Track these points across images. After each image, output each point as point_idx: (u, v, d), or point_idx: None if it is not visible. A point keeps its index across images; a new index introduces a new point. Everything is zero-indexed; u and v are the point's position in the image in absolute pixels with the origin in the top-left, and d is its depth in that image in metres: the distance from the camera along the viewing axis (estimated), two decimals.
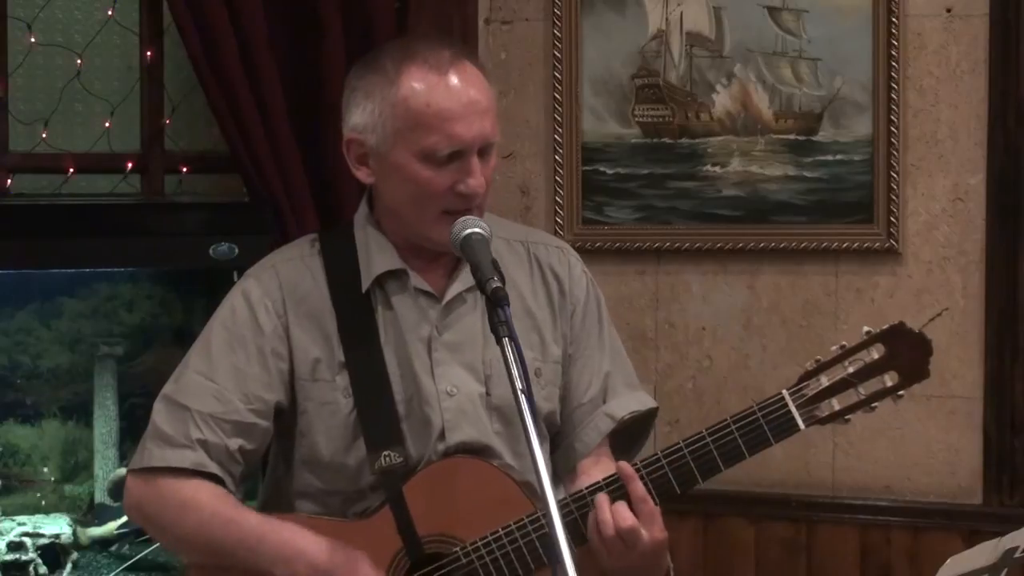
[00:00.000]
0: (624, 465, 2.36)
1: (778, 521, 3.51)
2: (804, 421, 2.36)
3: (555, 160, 3.62)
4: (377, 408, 2.40)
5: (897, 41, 3.39)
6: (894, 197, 3.41)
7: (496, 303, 2.14)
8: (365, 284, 2.44)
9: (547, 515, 1.95)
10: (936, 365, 3.37)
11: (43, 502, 3.55)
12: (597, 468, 2.50)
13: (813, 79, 3.46)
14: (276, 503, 2.51)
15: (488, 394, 2.45)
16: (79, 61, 3.61)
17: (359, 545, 2.36)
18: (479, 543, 2.36)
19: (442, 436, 2.41)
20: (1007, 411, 3.37)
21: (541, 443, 2.43)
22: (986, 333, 3.38)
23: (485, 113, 2.38)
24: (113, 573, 3.56)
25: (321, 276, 2.46)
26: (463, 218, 2.32)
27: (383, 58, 2.43)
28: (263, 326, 2.43)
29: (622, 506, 2.33)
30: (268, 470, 2.57)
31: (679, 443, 2.37)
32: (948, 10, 3.39)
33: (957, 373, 3.41)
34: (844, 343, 2.38)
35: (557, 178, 3.63)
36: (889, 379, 2.37)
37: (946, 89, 3.40)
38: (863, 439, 3.47)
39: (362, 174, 2.45)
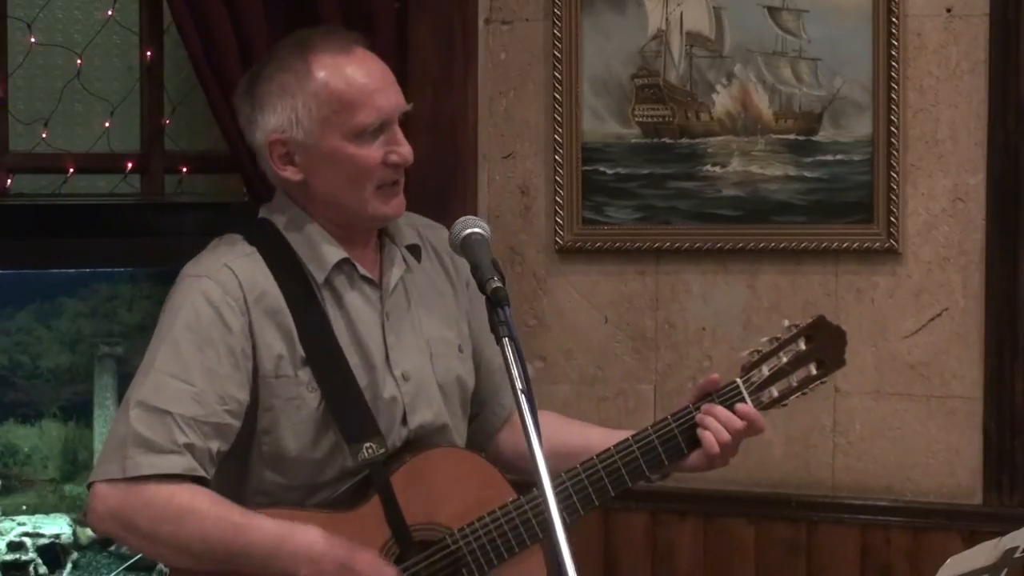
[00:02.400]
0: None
1: (778, 521, 3.51)
2: (755, 407, 2.54)
3: (555, 160, 3.62)
4: (346, 400, 2.43)
5: (897, 41, 3.38)
6: (894, 197, 3.40)
7: (496, 303, 2.18)
8: (321, 276, 2.46)
9: (547, 510, 1.98)
10: (936, 365, 3.41)
11: (43, 502, 3.55)
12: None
13: (813, 79, 3.46)
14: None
15: (434, 373, 2.53)
16: (79, 61, 3.62)
17: (348, 535, 2.38)
18: (467, 529, 2.42)
19: (404, 420, 2.47)
20: (1007, 411, 3.37)
21: (465, 423, 2.60)
22: (986, 333, 3.38)
23: (394, 84, 2.48)
24: (113, 573, 3.56)
25: (268, 273, 2.46)
26: (463, 218, 2.36)
27: (283, 58, 2.47)
28: (231, 325, 2.40)
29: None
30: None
31: (647, 428, 2.51)
32: (948, 10, 3.39)
33: (957, 373, 3.41)
34: (777, 336, 2.56)
35: (557, 178, 3.62)
36: (813, 368, 2.57)
37: (946, 89, 3.39)
38: (863, 439, 3.47)
39: (289, 173, 2.47)
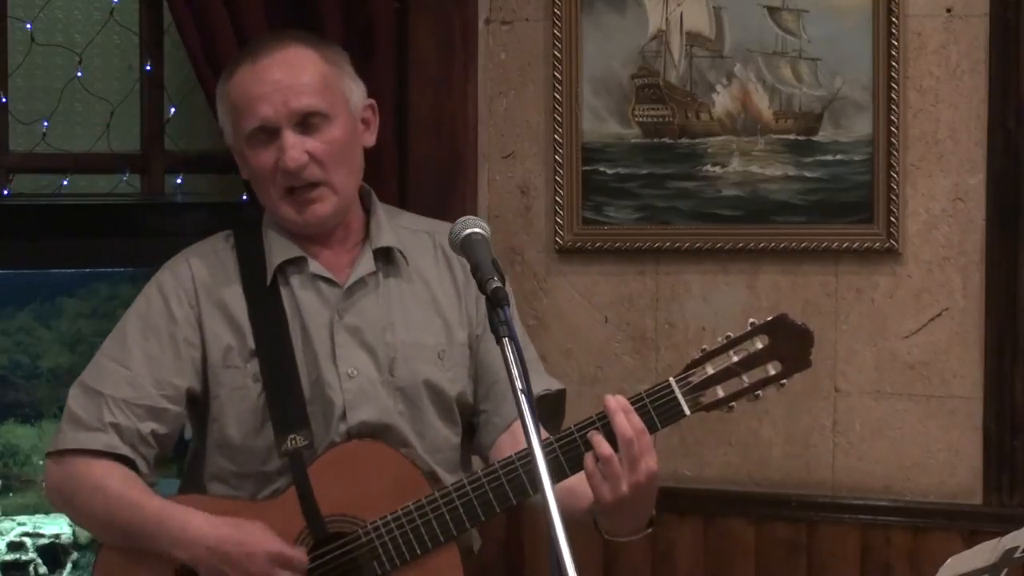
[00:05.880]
0: (610, 399, 2.43)
1: (778, 521, 3.51)
2: (689, 407, 2.44)
3: (555, 160, 3.62)
4: (284, 393, 2.53)
5: (897, 41, 3.38)
6: (894, 197, 3.40)
7: (496, 303, 2.18)
8: (268, 275, 2.59)
9: (548, 514, 1.96)
10: (936, 365, 3.41)
11: (43, 502, 3.55)
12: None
13: (813, 79, 3.46)
14: (191, 485, 2.64)
15: (392, 375, 2.58)
16: (79, 61, 3.62)
17: (268, 524, 2.47)
18: (379, 523, 2.47)
19: (343, 417, 2.54)
20: (1007, 411, 3.37)
21: (452, 429, 2.64)
22: (986, 333, 3.37)
23: (291, 89, 2.52)
24: None
25: (233, 268, 2.60)
26: (463, 218, 2.38)
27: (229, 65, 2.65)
28: (175, 315, 2.56)
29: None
30: (188, 454, 2.71)
31: (571, 427, 2.46)
32: (948, 10, 3.39)
33: (957, 373, 3.41)
34: (729, 333, 2.47)
35: (557, 178, 3.62)
36: (772, 368, 2.46)
37: (946, 89, 3.39)
38: (863, 439, 3.47)
39: (243, 175, 2.67)
